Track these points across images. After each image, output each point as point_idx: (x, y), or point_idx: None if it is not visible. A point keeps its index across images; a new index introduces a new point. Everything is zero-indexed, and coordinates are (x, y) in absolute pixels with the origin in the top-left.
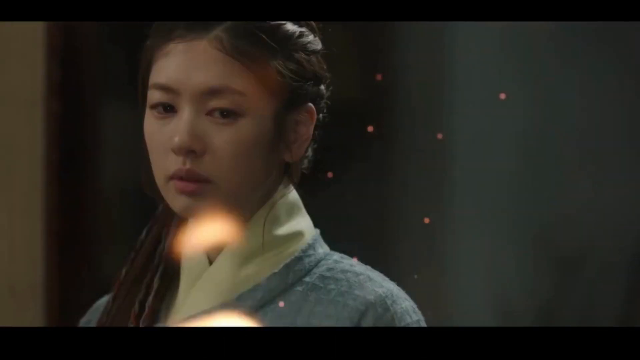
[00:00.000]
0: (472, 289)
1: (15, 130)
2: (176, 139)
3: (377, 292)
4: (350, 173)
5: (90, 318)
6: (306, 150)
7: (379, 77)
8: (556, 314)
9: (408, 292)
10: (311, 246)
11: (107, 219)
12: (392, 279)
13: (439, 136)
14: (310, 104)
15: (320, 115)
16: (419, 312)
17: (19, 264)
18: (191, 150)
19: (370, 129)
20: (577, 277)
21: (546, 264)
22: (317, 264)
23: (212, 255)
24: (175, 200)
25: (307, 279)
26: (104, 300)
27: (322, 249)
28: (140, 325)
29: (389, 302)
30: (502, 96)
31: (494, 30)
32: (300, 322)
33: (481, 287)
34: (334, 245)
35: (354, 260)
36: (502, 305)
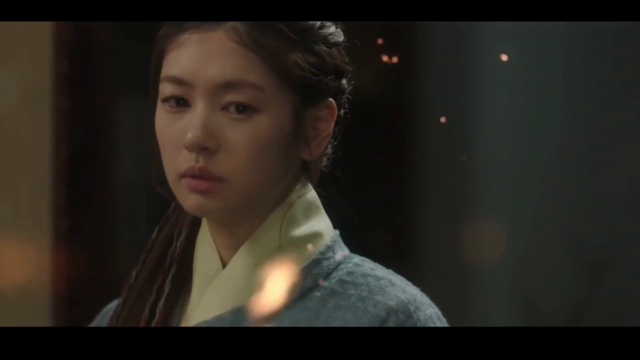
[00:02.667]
0: (499, 290)
1: (22, 128)
2: (189, 135)
3: (400, 298)
4: (371, 171)
5: (100, 323)
6: (326, 148)
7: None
8: (584, 314)
9: (432, 297)
10: (330, 248)
11: (117, 218)
12: (415, 283)
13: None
14: (331, 99)
15: (341, 110)
16: (444, 319)
17: (26, 264)
18: (204, 147)
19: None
20: (605, 277)
21: (575, 264)
22: (336, 267)
23: (225, 257)
24: (186, 199)
25: (325, 283)
26: (113, 305)
27: (342, 251)
28: None
29: (411, 308)
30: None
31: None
32: None
33: (508, 288)
34: (354, 248)
35: (376, 264)
36: (529, 306)
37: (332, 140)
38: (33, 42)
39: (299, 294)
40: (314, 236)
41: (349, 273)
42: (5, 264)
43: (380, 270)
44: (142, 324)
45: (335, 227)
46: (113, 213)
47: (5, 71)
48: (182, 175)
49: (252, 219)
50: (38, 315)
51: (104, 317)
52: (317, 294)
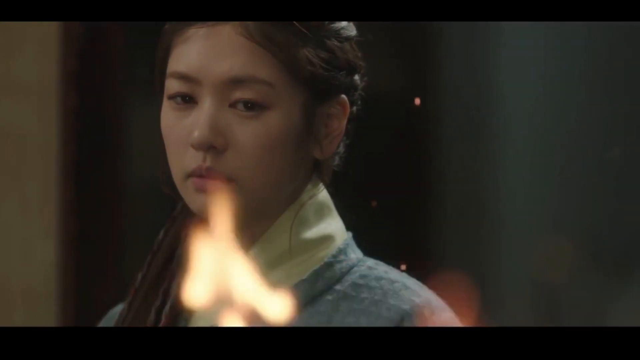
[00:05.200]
0: (519, 289)
1: (29, 126)
2: (196, 134)
3: (414, 302)
4: (385, 171)
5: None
6: (338, 146)
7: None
8: (608, 314)
9: (449, 300)
10: (342, 251)
11: (125, 219)
12: (430, 286)
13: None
14: (343, 96)
15: (354, 107)
16: (460, 324)
17: (33, 266)
18: (212, 146)
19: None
20: (629, 276)
21: (596, 263)
22: (349, 270)
23: None
24: (194, 199)
25: (338, 287)
26: (118, 309)
27: (355, 254)
28: None
29: (427, 312)
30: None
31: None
32: None
33: (529, 288)
34: (367, 250)
35: (389, 267)
36: (551, 307)
37: (345, 138)
38: (40, 38)
39: (310, 298)
40: (326, 238)
41: (362, 276)
42: (12, 264)
43: (394, 273)
44: None
45: (348, 228)
46: (121, 213)
47: (12, 68)
48: (189, 175)
49: (261, 220)
50: (44, 316)
51: (109, 321)
52: (329, 297)
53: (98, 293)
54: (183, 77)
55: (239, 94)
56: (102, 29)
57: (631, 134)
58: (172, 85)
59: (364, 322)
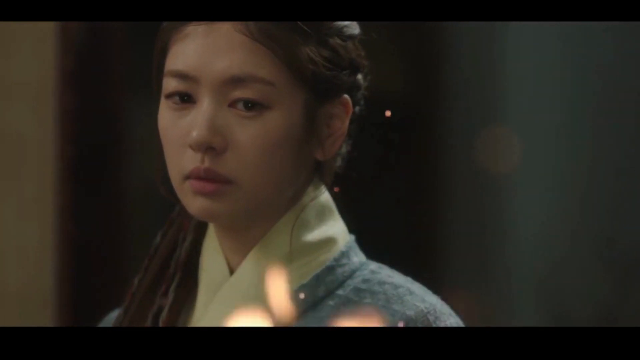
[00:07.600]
0: (528, 290)
1: (26, 127)
2: (194, 134)
3: (419, 307)
4: (389, 172)
5: None
6: (340, 147)
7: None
8: (618, 316)
9: (455, 304)
10: (345, 254)
11: (123, 221)
12: (436, 289)
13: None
14: (346, 96)
15: (357, 107)
16: None
17: (29, 269)
18: (211, 147)
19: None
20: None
21: (606, 265)
22: (351, 274)
23: (233, 264)
24: (192, 202)
25: (340, 291)
26: (114, 314)
27: (357, 257)
28: None
29: (431, 318)
30: None
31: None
32: None
33: (538, 288)
34: (370, 253)
35: (393, 271)
36: (558, 307)
37: (347, 139)
38: (38, 38)
39: (312, 303)
40: (328, 241)
41: (365, 281)
42: (8, 266)
43: (398, 278)
44: None
45: (350, 231)
46: (119, 215)
47: (9, 68)
48: (187, 177)
49: (261, 223)
50: (41, 320)
51: (105, 326)
52: (331, 302)
53: (95, 297)
54: (181, 76)
55: (239, 93)
56: (100, 29)
57: None
58: (169, 84)
59: None
